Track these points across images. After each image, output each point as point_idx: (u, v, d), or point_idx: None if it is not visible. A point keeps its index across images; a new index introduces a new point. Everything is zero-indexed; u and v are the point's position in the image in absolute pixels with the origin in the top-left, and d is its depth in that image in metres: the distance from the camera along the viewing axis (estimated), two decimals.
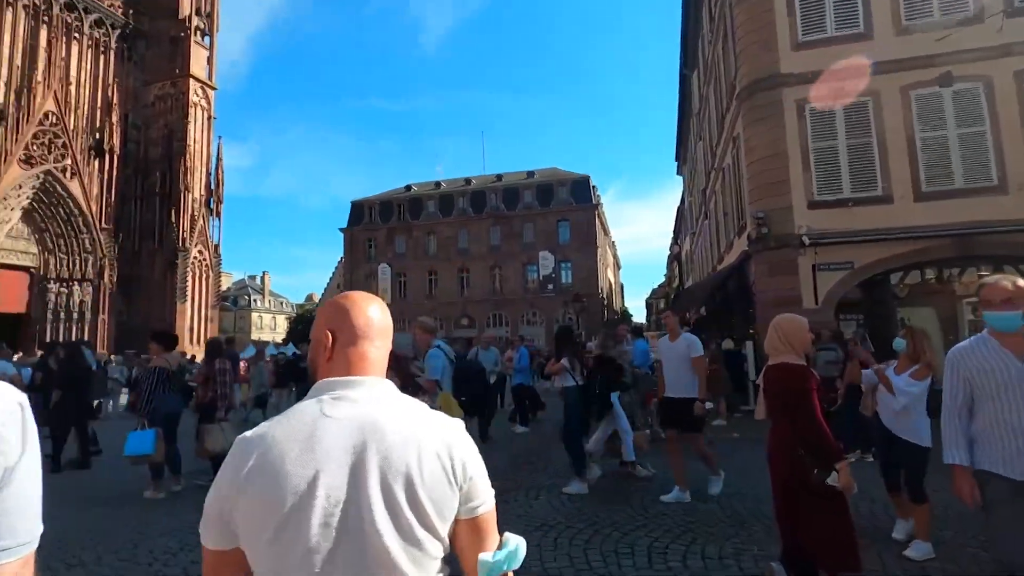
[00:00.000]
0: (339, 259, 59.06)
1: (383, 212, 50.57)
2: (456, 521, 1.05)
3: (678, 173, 35.60)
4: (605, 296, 49.18)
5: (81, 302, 28.72)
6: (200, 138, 32.37)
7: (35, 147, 26.33)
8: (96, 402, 7.79)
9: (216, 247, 32.77)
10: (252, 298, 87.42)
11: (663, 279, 70.57)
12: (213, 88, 33.24)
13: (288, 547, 0.95)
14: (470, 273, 47.21)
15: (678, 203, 42.18)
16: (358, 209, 51.65)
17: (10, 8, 26.24)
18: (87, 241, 28.71)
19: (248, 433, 1.05)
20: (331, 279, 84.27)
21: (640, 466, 6.17)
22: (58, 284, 28.35)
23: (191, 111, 31.62)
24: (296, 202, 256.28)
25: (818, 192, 11.21)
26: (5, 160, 25.19)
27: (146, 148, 31.44)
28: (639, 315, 67.58)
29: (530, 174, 50.09)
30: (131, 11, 31.33)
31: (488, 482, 1.11)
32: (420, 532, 1.00)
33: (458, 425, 1.13)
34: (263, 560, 0.97)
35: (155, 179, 31.03)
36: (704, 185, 20.98)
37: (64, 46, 28.14)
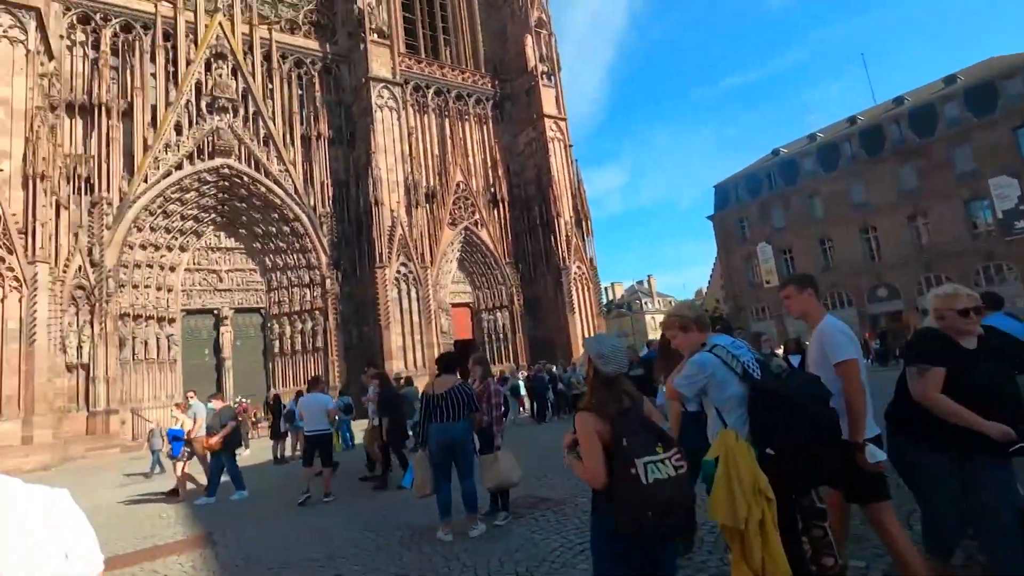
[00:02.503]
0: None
1: (750, 188, 45.48)
2: None
3: None
4: None
5: (503, 325, 35.41)
6: (562, 167, 36.01)
7: (455, 211, 34.11)
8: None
9: (591, 260, 35.49)
10: (643, 302, 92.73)
11: None
12: (563, 120, 36.64)
13: None
14: (877, 232, 37.26)
15: None
16: (723, 192, 48.05)
17: (426, 115, 35.15)
18: (499, 275, 35.35)
19: None
20: (712, 270, 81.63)
21: None
22: (487, 313, 35.73)
23: (550, 146, 35.59)
24: (670, 204, 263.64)
25: None
26: (441, 227, 33.49)
27: (525, 189, 36.87)
28: None
29: (949, 80, 36.51)
30: (496, 81, 37.69)
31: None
32: None
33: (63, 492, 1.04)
34: None
35: (535, 213, 35.97)
36: None
37: (460, 128, 35.85)
